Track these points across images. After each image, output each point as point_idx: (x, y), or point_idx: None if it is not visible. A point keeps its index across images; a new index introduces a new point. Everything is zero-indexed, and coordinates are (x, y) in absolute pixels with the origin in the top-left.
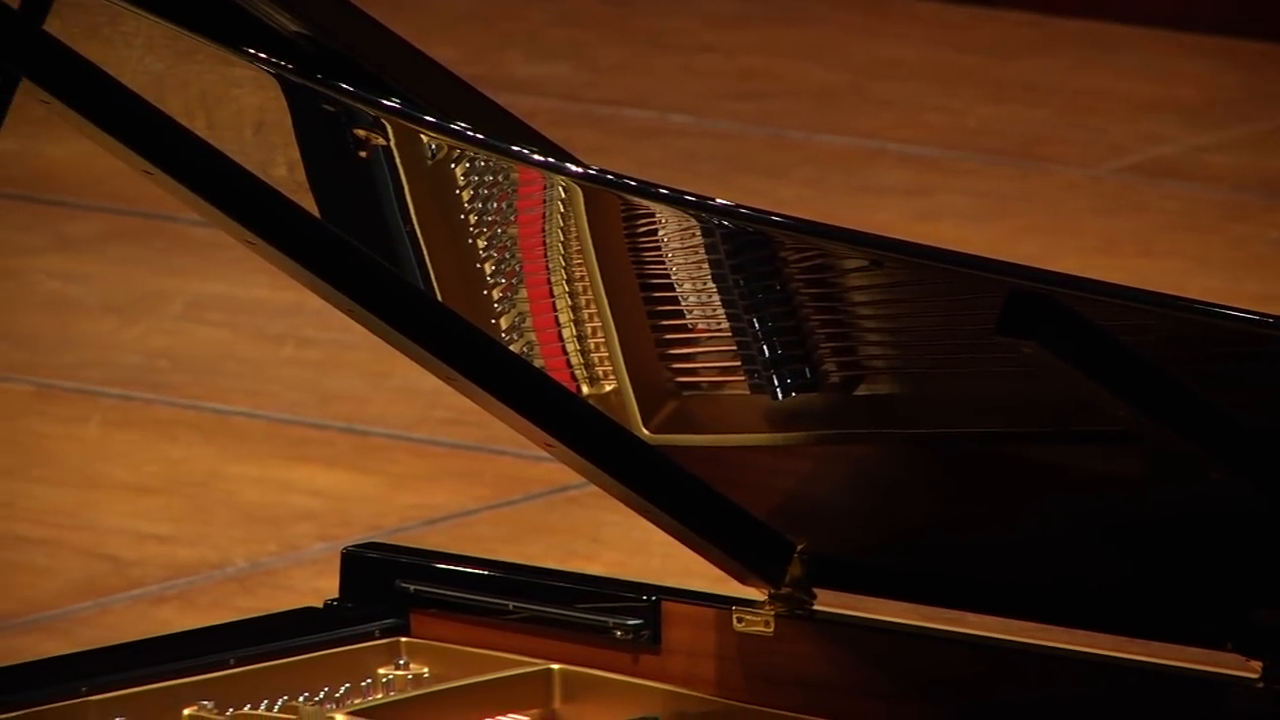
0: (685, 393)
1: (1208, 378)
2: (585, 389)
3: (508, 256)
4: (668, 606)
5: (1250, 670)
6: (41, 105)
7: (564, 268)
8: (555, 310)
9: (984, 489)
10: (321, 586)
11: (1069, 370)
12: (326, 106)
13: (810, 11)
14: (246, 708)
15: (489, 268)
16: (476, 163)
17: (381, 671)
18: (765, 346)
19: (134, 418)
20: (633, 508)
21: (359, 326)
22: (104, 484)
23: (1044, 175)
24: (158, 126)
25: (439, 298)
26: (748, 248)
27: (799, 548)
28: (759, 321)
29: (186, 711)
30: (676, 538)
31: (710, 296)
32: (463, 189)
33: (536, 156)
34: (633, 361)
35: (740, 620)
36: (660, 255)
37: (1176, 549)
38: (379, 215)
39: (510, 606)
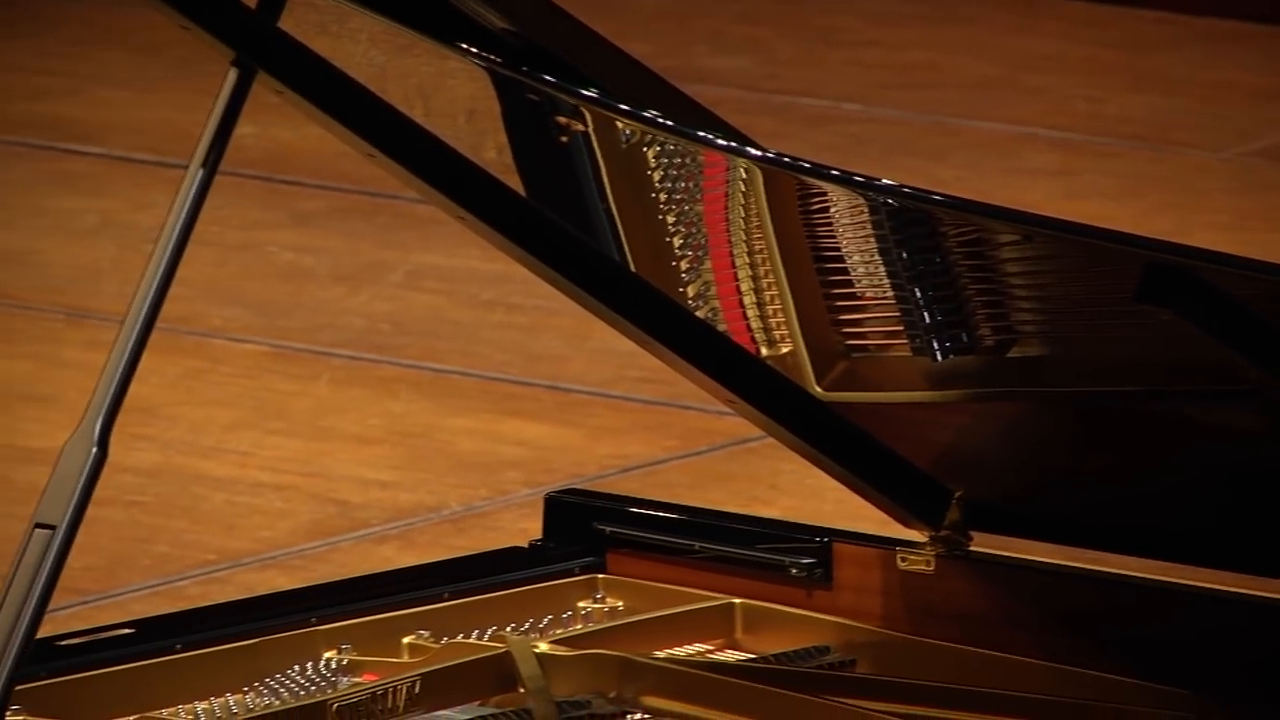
0: (854, 354)
1: None
2: (764, 350)
3: (694, 231)
4: (838, 547)
5: None
6: (276, 95)
7: (744, 241)
8: (737, 279)
9: (1122, 442)
10: (527, 528)
11: (1200, 335)
12: (532, 96)
13: (967, 11)
14: (459, 637)
15: (677, 241)
16: (666, 147)
17: (580, 605)
18: (926, 313)
19: (360, 376)
20: (806, 458)
21: (561, 294)
22: (333, 435)
23: (1178, 158)
24: (380, 114)
25: (632, 268)
26: (910, 224)
27: (957, 494)
28: (920, 290)
29: (405, 640)
30: (846, 485)
31: (876, 268)
32: (653, 170)
33: (720, 141)
34: (806, 326)
35: (904, 560)
36: (832, 230)
37: None
38: (578, 194)
39: (696, 547)
